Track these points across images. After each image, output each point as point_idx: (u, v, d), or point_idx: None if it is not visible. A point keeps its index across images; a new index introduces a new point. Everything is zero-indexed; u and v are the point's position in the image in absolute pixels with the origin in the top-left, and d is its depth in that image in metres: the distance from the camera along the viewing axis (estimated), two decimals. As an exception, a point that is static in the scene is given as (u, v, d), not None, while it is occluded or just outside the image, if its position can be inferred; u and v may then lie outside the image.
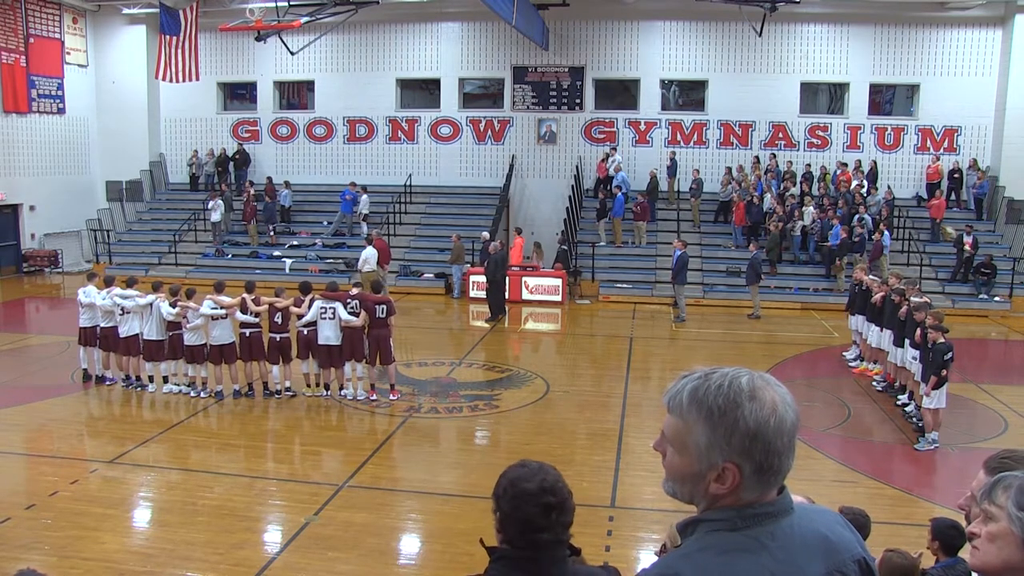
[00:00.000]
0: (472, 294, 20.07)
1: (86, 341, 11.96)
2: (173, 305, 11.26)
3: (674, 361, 14.93)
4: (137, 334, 11.53)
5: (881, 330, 12.34)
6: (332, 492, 8.24)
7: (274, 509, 8.08)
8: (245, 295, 11.41)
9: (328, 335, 11.15)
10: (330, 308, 11.15)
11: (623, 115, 24.18)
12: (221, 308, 11.23)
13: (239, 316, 11.32)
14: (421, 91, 25.82)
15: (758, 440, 1.53)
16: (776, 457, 1.55)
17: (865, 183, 22.03)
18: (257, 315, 11.37)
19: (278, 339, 11.36)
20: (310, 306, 11.24)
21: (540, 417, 10.99)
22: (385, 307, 11.36)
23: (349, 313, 11.15)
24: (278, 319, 11.35)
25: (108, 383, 12.02)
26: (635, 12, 23.43)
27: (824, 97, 24.31)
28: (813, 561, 1.58)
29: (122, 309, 11.52)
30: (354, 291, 11.74)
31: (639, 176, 23.30)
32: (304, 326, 11.28)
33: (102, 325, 11.70)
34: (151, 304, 11.37)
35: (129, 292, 11.72)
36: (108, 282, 12.11)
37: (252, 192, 23.85)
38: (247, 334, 11.41)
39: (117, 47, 25.75)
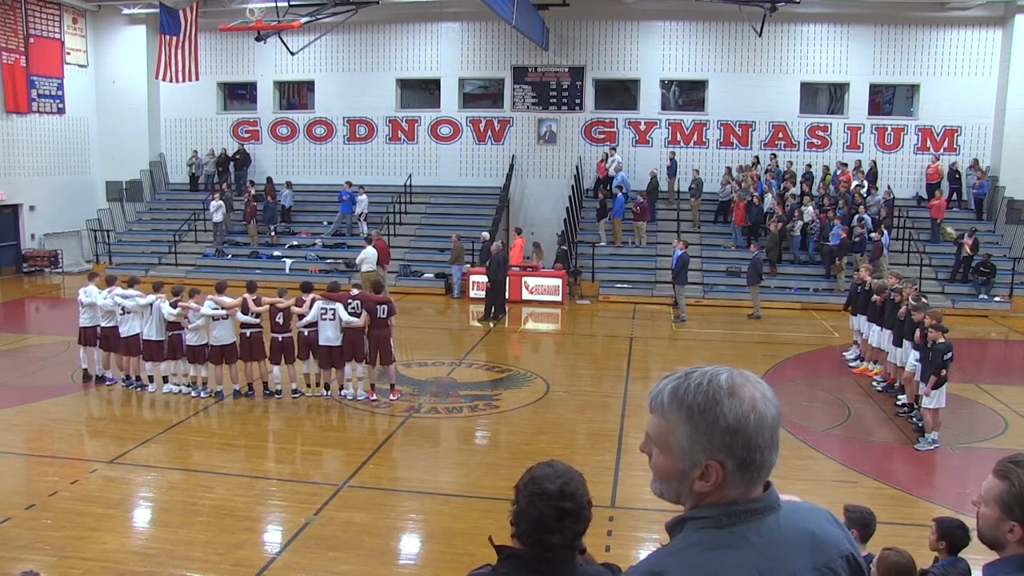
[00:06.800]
0: (472, 294, 20.07)
1: (86, 341, 11.96)
2: (173, 305, 11.26)
3: (674, 361, 14.91)
4: (137, 334, 11.53)
5: (881, 330, 12.35)
6: (332, 492, 8.24)
7: (274, 509, 8.08)
8: (247, 295, 11.42)
9: (329, 335, 11.16)
10: (330, 309, 11.16)
11: (623, 115, 24.18)
12: (222, 308, 11.24)
13: (240, 316, 11.31)
14: (421, 91, 25.81)
15: (739, 436, 1.53)
16: (758, 452, 1.55)
17: (865, 183, 22.03)
18: (258, 315, 11.37)
19: (280, 339, 11.36)
20: (311, 306, 11.25)
21: (540, 417, 11.00)
22: (386, 307, 11.38)
23: (350, 314, 11.16)
24: (280, 319, 11.35)
25: (108, 383, 12.02)
26: (635, 12, 23.43)
27: (824, 97, 24.31)
28: (800, 557, 1.58)
29: (123, 309, 11.52)
30: (355, 292, 11.76)
31: (639, 176, 23.31)
32: (305, 327, 11.29)
33: (103, 325, 11.70)
34: (151, 304, 11.37)
35: (130, 292, 11.72)
36: (109, 282, 12.11)
37: (252, 192, 23.88)
38: (248, 334, 11.42)
39: (117, 47, 25.76)
